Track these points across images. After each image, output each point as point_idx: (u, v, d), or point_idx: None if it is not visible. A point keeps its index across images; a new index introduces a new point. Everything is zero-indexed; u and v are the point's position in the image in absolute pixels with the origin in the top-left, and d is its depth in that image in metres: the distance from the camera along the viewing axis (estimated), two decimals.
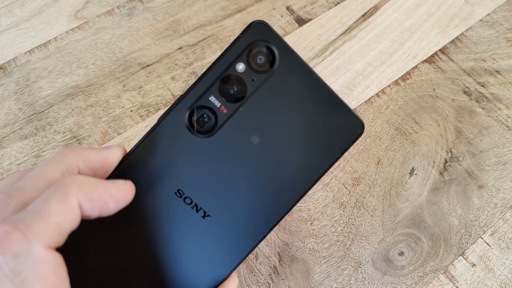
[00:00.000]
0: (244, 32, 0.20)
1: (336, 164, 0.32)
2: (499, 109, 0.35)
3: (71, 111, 0.35)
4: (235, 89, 0.20)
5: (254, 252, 0.29)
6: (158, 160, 0.20)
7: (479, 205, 0.31)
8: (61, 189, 0.16)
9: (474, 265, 0.30)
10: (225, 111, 0.20)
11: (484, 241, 0.30)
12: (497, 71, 0.37)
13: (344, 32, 0.38)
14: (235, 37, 0.20)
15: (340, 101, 0.21)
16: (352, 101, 0.35)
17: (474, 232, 0.31)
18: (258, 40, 0.20)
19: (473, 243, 0.30)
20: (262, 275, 0.29)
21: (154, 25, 0.39)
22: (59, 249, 0.16)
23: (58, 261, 0.15)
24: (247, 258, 0.27)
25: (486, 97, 0.36)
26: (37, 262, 0.14)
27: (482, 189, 0.32)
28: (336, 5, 0.40)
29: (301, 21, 0.39)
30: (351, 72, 0.37)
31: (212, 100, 0.20)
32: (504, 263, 0.30)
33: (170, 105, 0.20)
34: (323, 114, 0.21)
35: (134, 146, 0.20)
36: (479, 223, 0.31)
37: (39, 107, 0.35)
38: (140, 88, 0.36)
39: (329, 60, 0.37)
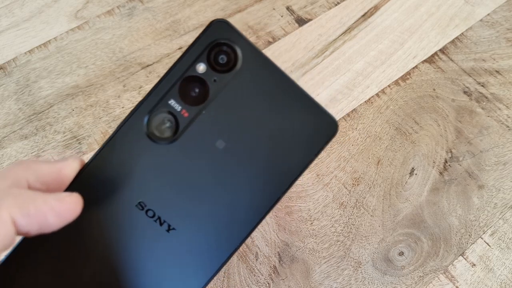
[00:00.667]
0: (204, 31, 0.19)
1: (336, 164, 0.32)
2: (499, 109, 0.35)
3: (71, 111, 0.35)
4: (196, 91, 0.19)
5: (254, 252, 0.29)
6: (117, 170, 0.19)
7: (479, 205, 0.31)
8: None
9: (474, 265, 0.30)
10: (186, 115, 0.19)
11: (484, 241, 0.30)
12: (497, 71, 0.37)
13: (344, 32, 0.38)
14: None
15: (310, 99, 0.20)
16: (352, 101, 0.35)
17: (474, 232, 0.31)
18: (219, 39, 0.19)
19: (473, 243, 0.30)
20: (262, 275, 0.29)
21: (154, 25, 0.39)
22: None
23: None
24: (247, 258, 0.27)
25: (486, 97, 0.36)
26: None
27: (482, 189, 0.32)
28: (336, 5, 0.40)
29: (301, 21, 0.39)
30: (351, 72, 0.37)
31: (172, 104, 0.19)
32: (504, 263, 0.30)
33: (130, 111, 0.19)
34: (293, 114, 0.20)
35: (92, 157, 0.19)
36: (479, 223, 0.31)
37: (39, 107, 0.35)
38: (140, 88, 0.36)
39: (329, 60, 0.37)
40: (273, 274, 0.29)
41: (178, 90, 0.19)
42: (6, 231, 0.15)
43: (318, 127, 0.20)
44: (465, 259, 0.30)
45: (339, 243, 0.30)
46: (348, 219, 0.31)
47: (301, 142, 0.20)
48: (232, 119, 0.19)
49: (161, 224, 0.19)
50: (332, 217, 0.31)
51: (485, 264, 0.30)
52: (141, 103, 0.19)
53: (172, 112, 0.19)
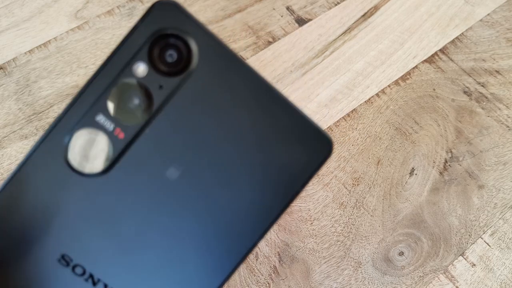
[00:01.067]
0: (143, 18, 0.14)
1: (336, 164, 0.32)
2: (499, 109, 0.35)
3: None
4: (135, 102, 0.14)
5: (254, 252, 0.29)
6: (29, 213, 0.14)
7: (479, 205, 0.31)
8: None
9: (474, 265, 0.30)
10: (121, 135, 0.14)
11: (484, 241, 0.30)
12: (497, 71, 0.37)
13: (344, 32, 0.38)
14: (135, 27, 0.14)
15: (295, 110, 0.14)
16: (352, 101, 0.35)
17: (474, 232, 0.31)
18: (165, 28, 0.14)
19: (473, 243, 0.30)
20: (262, 275, 0.29)
21: None
22: None
23: None
24: (247, 258, 0.27)
25: (486, 97, 0.36)
26: None
27: (482, 189, 0.32)
28: (336, 5, 0.40)
29: (301, 21, 0.39)
30: (351, 72, 0.37)
31: (100, 121, 0.14)
32: (504, 263, 0.30)
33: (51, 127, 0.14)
34: (273, 131, 0.14)
35: None
36: (479, 223, 0.31)
37: (39, 107, 0.35)
38: None
39: (329, 60, 0.37)
40: (273, 274, 0.29)
41: (108, 102, 0.14)
42: None
43: (306, 147, 0.14)
44: (465, 259, 0.30)
45: (339, 243, 0.30)
46: (348, 219, 0.31)
47: (284, 167, 0.14)
48: (186, 139, 0.14)
49: (94, 284, 0.14)
50: (332, 217, 0.31)
51: (485, 264, 0.30)
52: (59, 119, 0.14)
53: (102, 132, 0.14)
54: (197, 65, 0.14)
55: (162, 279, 0.14)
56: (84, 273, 0.14)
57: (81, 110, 0.14)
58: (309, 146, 0.14)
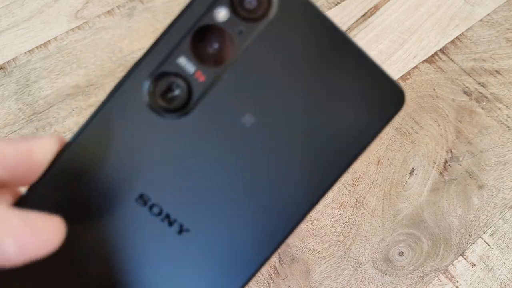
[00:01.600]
0: None
1: None
2: (499, 109, 0.35)
3: (71, 111, 0.35)
4: (216, 46, 0.14)
5: None
6: (110, 153, 0.14)
7: (479, 205, 0.31)
8: None
9: (474, 265, 0.30)
10: (202, 79, 0.14)
11: (484, 241, 0.30)
12: (497, 71, 0.37)
13: None
14: None
15: (368, 59, 0.14)
16: None
17: (474, 232, 0.31)
18: None
19: (473, 243, 0.30)
20: (262, 275, 0.29)
21: (154, 25, 0.39)
22: None
23: None
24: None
25: (486, 97, 0.36)
26: None
27: (482, 189, 0.32)
28: (336, 5, 0.40)
29: None
30: None
31: (182, 64, 0.14)
32: (504, 263, 0.30)
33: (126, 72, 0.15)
34: (346, 79, 0.14)
35: (74, 135, 0.14)
36: (479, 223, 0.31)
37: (39, 107, 0.35)
38: None
39: None
40: (273, 274, 0.29)
41: (191, 45, 0.14)
42: None
43: (379, 98, 0.15)
44: (465, 259, 0.30)
45: (339, 243, 0.30)
46: (348, 219, 0.31)
47: (356, 117, 0.14)
48: (263, 86, 0.14)
49: (170, 224, 0.14)
50: (332, 217, 0.31)
51: (485, 264, 0.30)
52: (139, 62, 0.14)
53: (182, 75, 0.14)
54: (276, 13, 0.14)
55: (231, 226, 0.15)
56: (161, 212, 0.14)
57: (162, 52, 0.14)
58: (383, 97, 0.15)
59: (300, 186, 0.15)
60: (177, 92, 0.14)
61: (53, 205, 0.14)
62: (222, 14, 0.14)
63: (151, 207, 0.14)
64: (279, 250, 0.29)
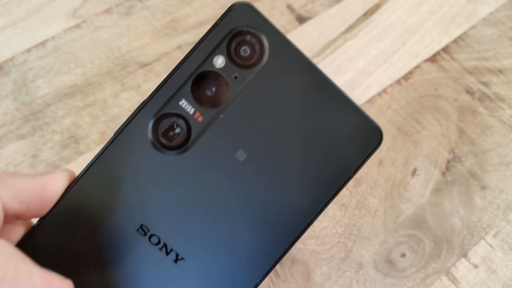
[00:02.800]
0: (223, 17, 0.16)
1: None
2: (502, 109, 0.35)
3: (69, 111, 0.34)
4: (213, 90, 0.16)
5: None
6: (115, 186, 0.16)
7: (482, 206, 0.31)
8: None
9: (477, 266, 0.29)
10: (200, 119, 0.16)
11: (487, 242, 0.30)
12: (499, 71, 0.36)
13: (345, 31, 0.38)
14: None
15: (349, 102, 0.17)
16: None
17: (477, 233, 0.30)
18: (241, 26, 0.16)
19: (476, 244, 0.30)
20: None
21: (152, 23, 0.38)
22: None
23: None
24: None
25: (489, 97, 0.35)
26: None
27: (484, 190, 0.32)
28: (337, 3, 0.40)
29: (301, 20, 0.39)
30: (352, 71, 0.36)
31: (183, 106, 0.16)
32: (507, 264, 0.29)
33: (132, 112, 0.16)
34: (329, 120, 0.16)
35: (84, 169, 0.16)
36: (482, 224, 0.31)
37: (37, 107, 0.34)
38: (138, 87, 0.35)
39: (330, 59, 0.37)
40: (273, 276, 0.28)
41: (191, 89, 0.16)
42: None
43: (359, 136, 0.16)
44: (467, 260, 0.29)
45: (340, 244, 0.30)
46: (350, 220, 0.30)
47: (338, 154, 0.16)
48: (255, 125, 0.16)
49: (167, 253, 0.16)
50: (333, 218, 0.30)
51: (487, 265, 0.29)
52: (145, 103, 0.16)
53: (183, 116, 0.16)
54: (267, 60, 0.16)
55: (224, 253, 0.16)
56: (159, 242, 0.16)
57: (166, 95, 0.16)
58: (362, 136, 0.17)
59: (288, 216, 0.16)
60: (178, 131, 0.16)
61: (62, 238, 0.15)
62: (219, 61, 0.16)
63: (150, 237, 0.16)
64: None
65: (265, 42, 0.16)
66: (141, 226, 0.16)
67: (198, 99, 0.16)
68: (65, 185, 0.16)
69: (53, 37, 0.37)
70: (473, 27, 0.38)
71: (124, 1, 0.39)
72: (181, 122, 0.16)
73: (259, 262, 0.16)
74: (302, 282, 0.28)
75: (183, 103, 0.16)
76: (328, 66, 0.36)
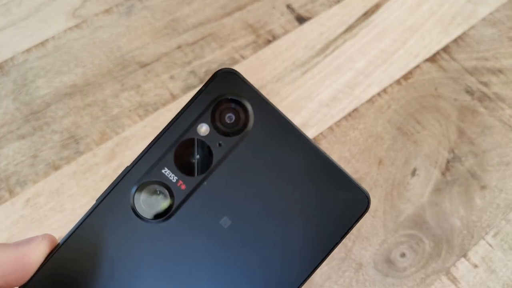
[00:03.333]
0: (207, 84, 0.16)
1: None
2: (502, 108, 0.35)
3: (69, 111, 0.34)
4: (197, 157, 0.16)
5: None
6: (97, 256, 0.16)
7: (482, 206, 0.31)
8: None
9: (477, 266, 0.29)
10: (183, 187, 0.16)
11: (487, 242, 0.30)
12: (499, 71, 0.36)
13: (345, 31, 0.38)
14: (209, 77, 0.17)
15: (336, 168, 0.17)
16: (353, 101, 0.35)
17: (477, 233, 0.30)
18: (226, 94, 0.16)
19: (476, 244, 0.30)
20: None
21: (152, 23, 0.38)
22: None
23: None
24: None
25: (489, 97, 0.35)
26: None
27: (484, 190, 0.32)
28: (337, 3, 0.40)
29: (301, 20, 0.39)
30: (352, 71, 0.36)
31: (166, 174, 0.16)
32: (507, 264, 0.29)
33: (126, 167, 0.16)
34: (315, 186, 0.16)
35: (65, 236, 0.16)
36: (482, 224, 0.31)
37: (37, 107, 0.34)
38: (138, 87, 0.35)
39: (330, 59, 0.37)
40: None
41: (174, 157, 0.16)
42: None
43: (346, 203, 0.16)
44: (467, 260, 0.29)
45: (340, 244, 0.30)
46: None
47: (323, 221, 0.16)
48: (240, 191, 0.16)
49: None
50: None
51: (487, 265, 0.29)
52: (127, 170, 0.16)
53: (165, 184, 0.16)
54: (252, 127, 0.16)
55: None
56: None
57: (148, 163, 0.16)
58: (349, 201, 0.16)
59: (274, 282, 0.16)
60: (160, 198, 0.16)
61: None
62: (203, 129, 0.16)
63: None
64: None
65: (250, 109, 0.16)
66: None
67: (181, 167, 0.16)
68: (46, 253, 0.15)
69: (53, 37, 0.37)
70: (473, 27, 0.38)
71: (124, 1, 0.39)
72: (163, 190, 0.16)
73: None
74: None
75: (166, 171, 0.16)
76: (328, 66, 0.36)
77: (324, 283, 0.28)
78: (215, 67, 0.36)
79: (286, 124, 0.16)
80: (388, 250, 0.29)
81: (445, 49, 0.37)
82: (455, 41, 0.38)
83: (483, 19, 0.39)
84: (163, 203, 0.16)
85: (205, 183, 0.16)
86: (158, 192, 0.16)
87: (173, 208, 0.16)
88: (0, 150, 0.33)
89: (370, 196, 0.17)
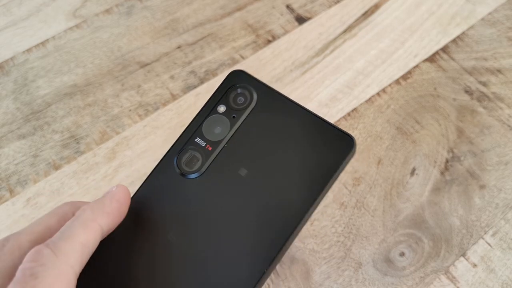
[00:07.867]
0: (224, 80, 0.24)
1: None
2: (501, 108, 0.35)
3: (69, 111, 0.34)
4: (218, 127, 0.23)
5: None
6: (154, 204, 0.22)
7: (481, 205, 0.31)
8: (79, 216, 0.18)
9: (476, 265, 0.29)
10: (210, 149, 0.22)
11: (486, 241, 0.30)
12: (498, 70, 0.37)
13: (345, 31, 0.38)
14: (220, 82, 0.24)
15: (323, 121, 0.22)
16: (352, 100, 0.35)
17: (476, 233, 0.30)
18: (236, 83, 0.23)
19: (475, 243, 0.30)
20: None
21: (152, 23, 0.38)
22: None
23: (72, 280, 0.16)
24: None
25: (488, 97, 0.35)
26: (56, 273, 0.16)
27: (483, 189, 0.32)
28: (336, 3, 0.40)
29: (301, 20, 0.39)
30: (352, 71, 0.36)
31: (197, 141, 0.22)
32: (506, 263, 0.29)
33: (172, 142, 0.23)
34: (309, 137, 0.22)
35: (137, 190, 0.22)
36: (481, 224, 0.31)
37: (37, 107, 0.34)
38: (138, 87, 0.35)
39: (329, 59, 0.37)
40: (272, 275, 0.29)
41: (203, 129, 0.23)
42: (95, 235, 0.18)
43: (336, 146, 0.21)
44: (466, 259, 0.30)
45: (339, 243, 0.30)
46: (349, 219, 0.30)
47: (320, 162, 0.21)
48: (251, 149, 0.22)
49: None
50: (333, 218, 0.30)
51: (486, 264, 0.29)
52: (173, 144, 0.23)
53: (197, 148, 0.22)
54: (256, 103, 0.23)
55: (236, 248, 0.21)
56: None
57: (186, 136, 0.23)
58: (338, 144, 0.21)
59: (284, 212, 0.21)
60: (195, 159, 0.22)
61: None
62: (221, 108, 0.23)
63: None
64: None
65: (253, 92, 0.23)
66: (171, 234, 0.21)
67: (208, 135, 0.22)
68: (130, 194, 0.21)
69: (53, 37, 0.38)
70: (472, 27, 0.38)
71: (124, 1, 0.39)
72: (196, 153, 0.22)
73: (262, 249, 0.20)
74: (301, 281, 0.28)
75: (198, 140, 0.23)
76: (327, 66, 0.36)
77: (323, 282, 0.28)
78: (215, 67, 0.37)
79: (281, 98, 0.22)
80: (387, 250, 0.30)
81: (444, 49, 0.37)
82: (454, 41, 0.38)
83: (482, 19, 0.39)
84: (198, 162, 0.22)
85: (226, 145, 0.22)
86: (193, 155, 0.22)
87: (205, 165, 0.22)
88: (0, 149, 0.33)
89: (356, 142, 0.22)
